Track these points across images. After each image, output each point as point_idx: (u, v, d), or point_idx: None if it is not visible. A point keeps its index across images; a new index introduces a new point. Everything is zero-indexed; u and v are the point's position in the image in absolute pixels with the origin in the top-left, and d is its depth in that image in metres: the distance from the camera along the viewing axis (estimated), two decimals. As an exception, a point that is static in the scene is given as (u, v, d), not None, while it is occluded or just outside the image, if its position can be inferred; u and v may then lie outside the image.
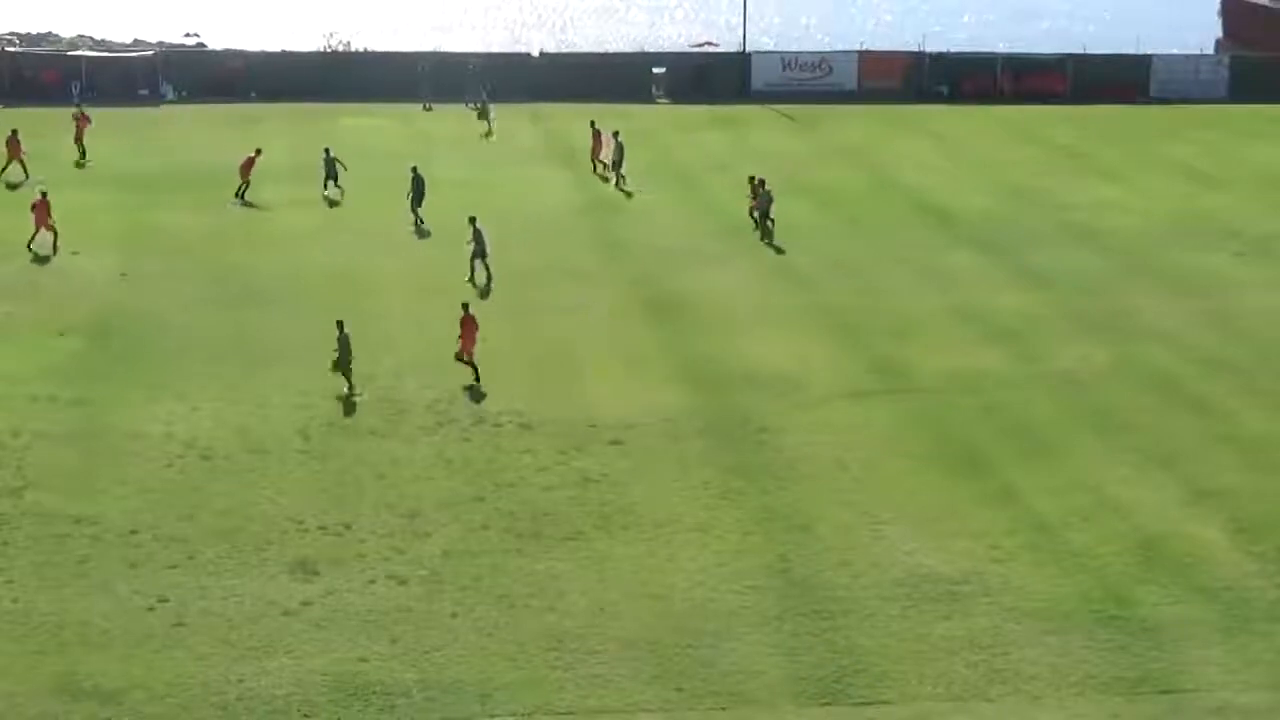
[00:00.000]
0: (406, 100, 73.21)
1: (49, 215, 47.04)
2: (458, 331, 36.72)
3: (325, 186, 54.49)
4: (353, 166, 54.92)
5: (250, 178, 54.20)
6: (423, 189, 51.17)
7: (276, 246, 48.53)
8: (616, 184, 56.73)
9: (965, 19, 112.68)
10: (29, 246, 46.69)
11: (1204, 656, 25.27)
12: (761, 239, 49.47)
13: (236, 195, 53.97)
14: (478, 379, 36.58)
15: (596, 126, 59.65)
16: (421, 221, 50.86)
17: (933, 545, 28.87)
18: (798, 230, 51.11)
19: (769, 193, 50.13)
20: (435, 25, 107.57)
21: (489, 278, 44.48)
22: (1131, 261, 48.35)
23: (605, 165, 58.27)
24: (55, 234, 47.07)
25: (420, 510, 30.10)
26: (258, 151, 55.15)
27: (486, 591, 27.09)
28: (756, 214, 50.14)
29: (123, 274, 45.32)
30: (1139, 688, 24.44)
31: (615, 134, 57.65)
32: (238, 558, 28.11)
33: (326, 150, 55.13)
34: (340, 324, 35.75)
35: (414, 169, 51.69)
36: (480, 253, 44.52)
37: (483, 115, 68.54)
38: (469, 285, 43.69)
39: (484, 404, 35.45)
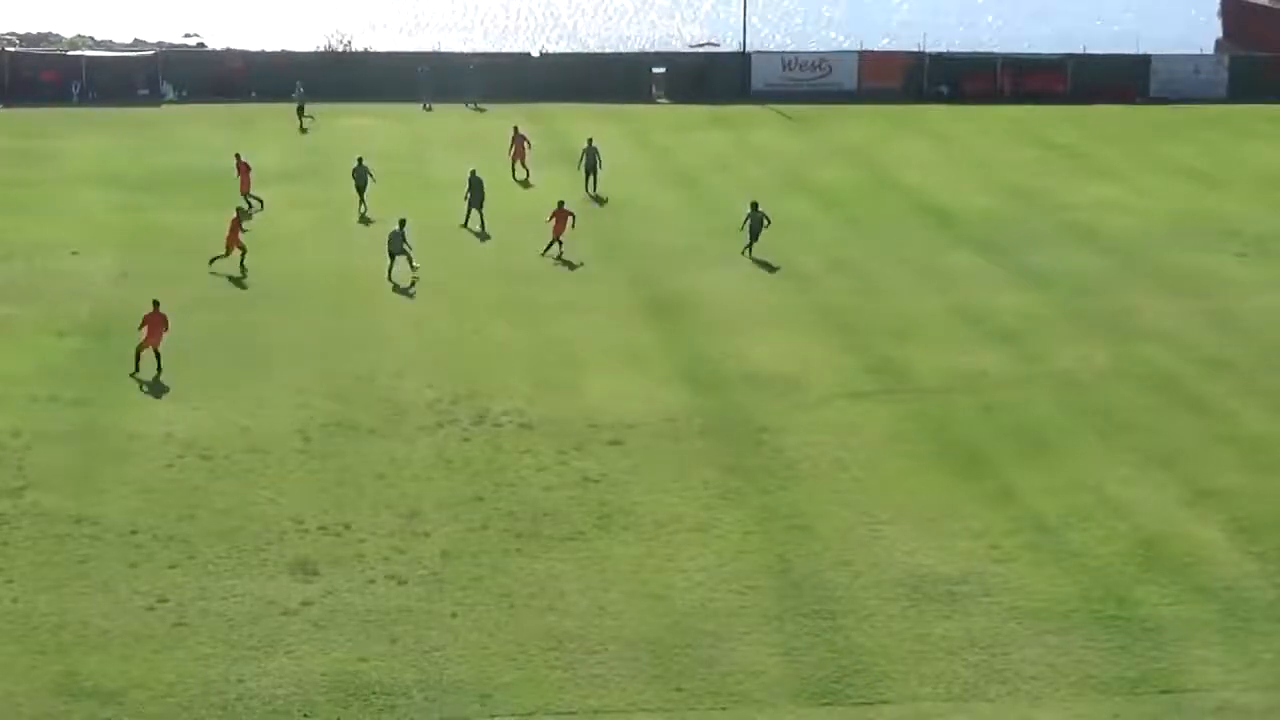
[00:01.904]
0: (406, 100, 73.25)
1: (239, 233, 45.64)
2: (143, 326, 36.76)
3: (361, 202, 52.65)
4: (352, 167, 54.81)
5: (250, 183, 53.47)
6: (482, 191, 51.00)
7: (276, 246, 48.54)
8: (588, 190, 55.64)
9: (989, 19, 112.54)
10: (212, 260, 45.29)
11: (1204, 656, 25.26)
12: (747, 252, 47.98)
13: (256, 203, 53.15)
14: (160, 371, 36.51)
15: (520, 131, 58.92)
16: (483, 224, 50.77)
17: (933, 545, 28.87)
18: (798, 230, 51.12)
19: (763, 215, 48.08)
20: (436, 25, 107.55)
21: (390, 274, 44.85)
22: (1131, 261, 48.36)
23: (527, 171, 57.68)
24: (244, 252, 45.42)
25: (420, 510, 30.10)
26: (236, 156, 54.09)
27: (486, 591, 27.09)
28: (747, 233, 47.94)
29: (123, 274, 45.34)
30: (1139, 688, 24.43)
31: (589, 140, 56.77)
32: (238, 558, 28.12)
33: (359, 160, 53.45)
34: None
35: (473, 172, 51.51)
36: (395, 252, 44.79)
37: (300, 111, 68.49)
38: (390, 280, 44.55)
39: (484, 404, 35.45)
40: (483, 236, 50.05)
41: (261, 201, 53.22)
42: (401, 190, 55.08)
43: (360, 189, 52.61)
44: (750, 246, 47.95)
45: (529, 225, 51.10)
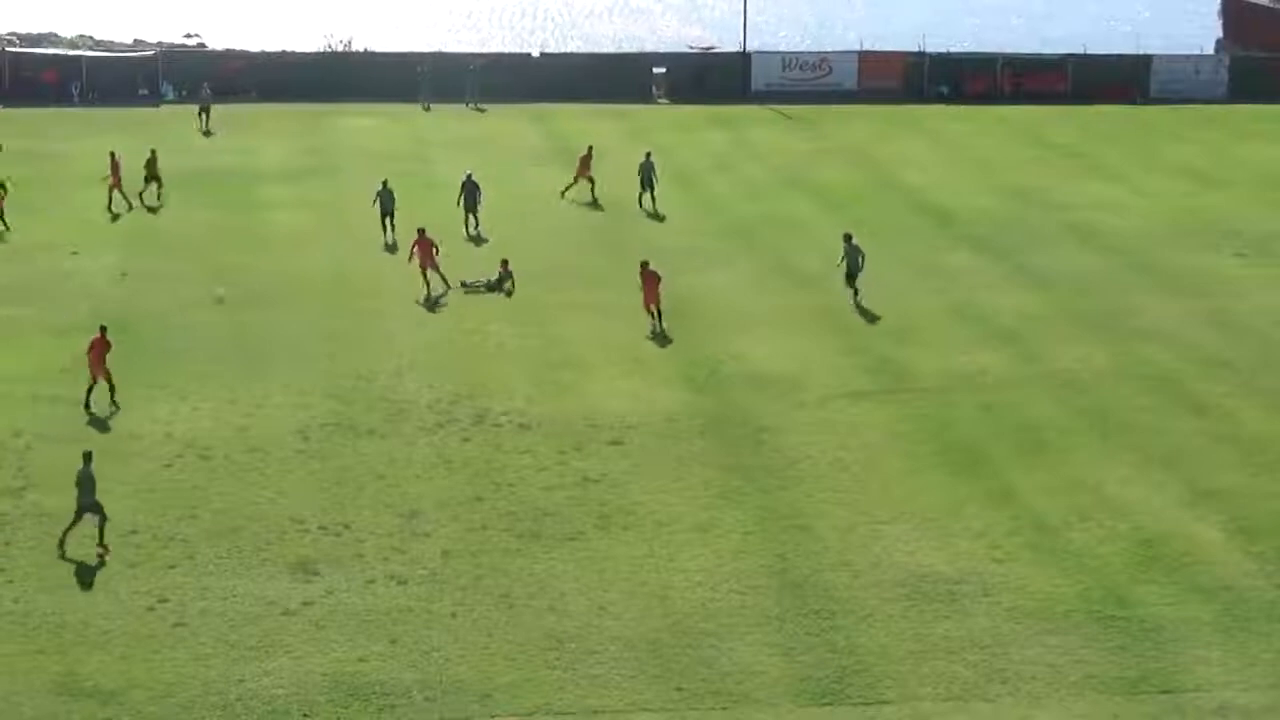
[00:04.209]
0: (406, 100, 73.22)
1: (433, 255, 43.55)
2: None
3: (385, 228, 48.75)
4: (352, 167, 54.87)
5: (119, 181, 52.16)
6: (475, 196, 50.20)
7: (276, 247, 48.53)
8: (642, 204, 53.63)
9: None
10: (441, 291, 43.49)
11: (1204, 656, 25.28)
12: (851, 298, 43.23)
13: (127, 203, 52.06)
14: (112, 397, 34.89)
15: (590, 151, 56.23)
16: (478, 226, 50.14)
17: (933, 545, 28.88)
18: (798, 230, 51.10)
19: (857, 247, 43.31)
20: (436, 25, 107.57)
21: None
22: (1131, 261, 48.34)
23: (589, 182, 55.11)
24: (439, 278, 43.48)
25: (420, 510, 30.11)
26: (111, 154, 52.93)
27: (486, 591, 27.10)
28: (844, 271, 43.21)
29: (123, 274, 45.33)
30: (1139, 688, 24.45)
31: (648, 154, 54.90)
32: (238, 558, 28.13)
33: (384, 182, 49.72)
34: (87, 456, 28.81)
35: (468, 175, 50.85)
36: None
37: (204, 111, 67.08)
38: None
39: (484, 404, 35.46)
40: (479, 240, 49.74)
41: (130, 203, 52.49)
42: (402, 191, 54.98)
43: (388, 214, 49.05)
44: (854, 289, 43.27)
45: (530, 226, 51.09)
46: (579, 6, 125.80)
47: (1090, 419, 35.19)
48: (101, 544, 28.19)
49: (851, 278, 43.34)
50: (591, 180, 54.99)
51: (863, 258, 43.49)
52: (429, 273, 43.67)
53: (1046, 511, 30.36)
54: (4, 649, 25.07)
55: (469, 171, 51.46)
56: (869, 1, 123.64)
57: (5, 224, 49.06)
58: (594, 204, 54.71)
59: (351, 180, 54.48)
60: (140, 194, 52.83)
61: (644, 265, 41.16)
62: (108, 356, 35.02)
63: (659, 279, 40.71)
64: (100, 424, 34.03)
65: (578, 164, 55.65)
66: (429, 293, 43.40)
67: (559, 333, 40.63)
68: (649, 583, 27.48)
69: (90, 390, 34.83)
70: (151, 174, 53.44)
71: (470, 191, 50.46)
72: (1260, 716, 23.77)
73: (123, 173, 52.50)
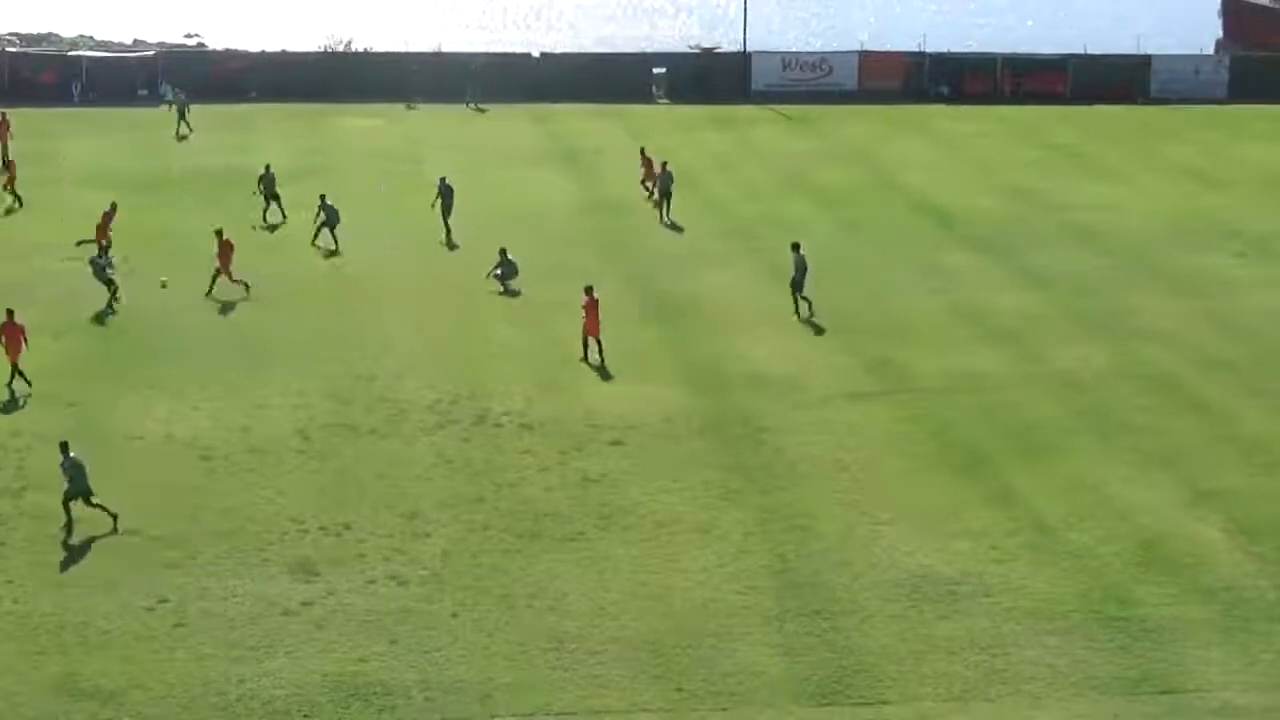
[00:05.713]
0: (404, 101, 73.21)
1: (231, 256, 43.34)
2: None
3: (317, 236, 48.36)
4: (352, 167, 54.75)
5: (11, 181, 52.31)
6: (450, 199, 50.10)
7: (275, 247, 48.52)
8: (664, 214, 52.82)
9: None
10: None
11: (1204, 656, 25.28)
12: (797, 311, 42.05)
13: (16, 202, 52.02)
14: (26, 382, 35.72)
15: (647, 154, 56.38)
16: (449, 233, 49.78)
17: (933, 545, 28.88)
18: (798, 231, 51.04)
19: (804, 258, 41.85)
20: (436, 26, 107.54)
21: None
22: (1131, 261, 48.34)
23: (652, 191, 54.68)
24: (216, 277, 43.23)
25: (420, 510, 30.12)
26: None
27: (487, 592, 27.11)
28: (791, 284, 42.03)
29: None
30: (1139, 688, 24.45)
31: (664, 164, 54.44)
32: (238, 558, 28.14)
33: (322, 197, 48.84)
34: (64, 446, 29.43)
35: (442, 179, 50.57)
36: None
37: (181, 115, 66.01)
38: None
39: (484, 404, 35.46)
40: (450, 245, 49.31)
41: (20, 200, 52.46)
42: (398, 191, 55.02)
43: (329, 226, 48.30)
44: (798, 302, 42.05)
45: (529, 226, 51.06)
46: (581, 7, 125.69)
47: (1090, 419, 35.20)
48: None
49: (798, 287, 42.00)
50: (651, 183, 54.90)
51: (806, 270, 41.97)
52: (223, 274, 43.29)
53: (1046, 511, 30.36)
54: (4, 649, 25.08)
55: (443, 176, 51.03)
56: (870, 1, 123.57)
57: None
58: (596, 205, 54.73)
59: (351, 181, 54.44)
60: (264, 213, 51.66)
61: (588, 290, 38.61)
62: (22, 339, 35.38)
63: (596, 305, 38.39)
64: (100, 424, 34.00)
65: (644, 168, 55.44)
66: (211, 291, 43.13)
67: (559, 333, 40.61)
68: (649, 583, 27.48)
69: (19, 374, 35.36)
70: (270, 192, 51.88)
71: (446, 195, 50.14)
72: (1260, 717, 23.77)
73: (15, 172, 52.71)
